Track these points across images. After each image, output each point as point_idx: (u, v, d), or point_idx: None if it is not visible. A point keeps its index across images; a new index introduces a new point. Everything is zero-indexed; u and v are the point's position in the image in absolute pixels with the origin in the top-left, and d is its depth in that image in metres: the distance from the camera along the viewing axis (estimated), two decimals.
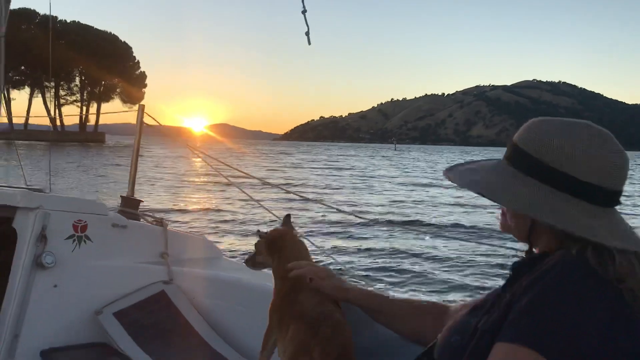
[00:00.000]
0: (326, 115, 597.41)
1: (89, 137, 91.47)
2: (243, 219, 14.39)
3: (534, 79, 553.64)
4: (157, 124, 3.72)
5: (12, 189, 2.88)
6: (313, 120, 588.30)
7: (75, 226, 2.83)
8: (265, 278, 2.96)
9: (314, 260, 2.07)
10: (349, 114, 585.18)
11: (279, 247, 2.06)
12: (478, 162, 1.26)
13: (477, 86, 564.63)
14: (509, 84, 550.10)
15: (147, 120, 3.56)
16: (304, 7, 1.51)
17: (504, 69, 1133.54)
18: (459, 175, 1.22)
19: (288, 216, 2.23)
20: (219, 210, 15.99)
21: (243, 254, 9.76)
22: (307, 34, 1.57)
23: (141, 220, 3.35)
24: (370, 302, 1.70)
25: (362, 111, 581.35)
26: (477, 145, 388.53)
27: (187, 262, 3.31)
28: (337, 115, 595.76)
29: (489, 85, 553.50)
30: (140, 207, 3.49)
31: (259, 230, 2.15)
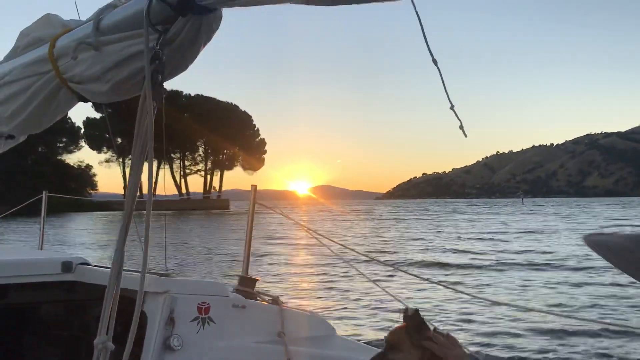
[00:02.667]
0: (429, 172, 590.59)
1: (214, 204, 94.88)
2: (357, 297, 13.43)
3: None
4: (269, 208, 4.08)
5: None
6: (415, 177, 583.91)
7: (199, 308, 2.91)
8: None
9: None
10: (453, 169, 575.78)
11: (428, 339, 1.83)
12: (619, 234, 1.03)
13: (588, 134, 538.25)
14: (623, 130, 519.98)
15: (259, 199, 3.79)
16: (451, 103, 1.50)
17: (615, 115, 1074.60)
18: (600, 249, 1.01)
19: (417, 313, 1.96)
20: (330, 287, 15.19)
21: (356, 333, 9.70)
22: (461, 127, 1.54)
23: (257, 299, 3.45)
24: None
25: (466, 166, 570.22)
26: (593, 196, 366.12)
27: (303, 340, 3.34)
28: (440, 171, 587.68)
29: (601, 133, 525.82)
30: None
31: (405, 310, 1.90)
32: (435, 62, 1.45)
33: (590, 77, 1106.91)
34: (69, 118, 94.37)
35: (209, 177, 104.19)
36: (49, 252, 5.57)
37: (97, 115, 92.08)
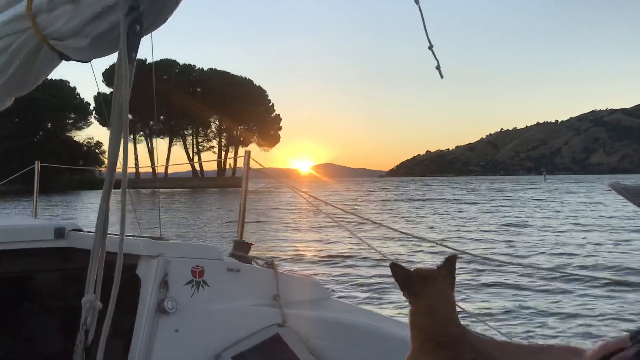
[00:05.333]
0: (432, 150, 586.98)
1: (227, 182, 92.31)
2: (350, 257, 13.56)
3: None
4: (261, 166, 4.31)
5: (135, 238, 3.03)
6: (419, 155, 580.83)
7: (193, 271, 2.93)
8: (379, 319, 3.53)
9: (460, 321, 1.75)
10: (457, 146, 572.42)
11: (414, 291, 1.72)
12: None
13: (592, 111, 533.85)
14: (628, 106, 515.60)
15: (253, 165, 3.86)
16: (430, 43, 1.51)
17: (621, 91, 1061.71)
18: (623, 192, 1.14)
19: (453, 258, 1.80)
20: (324, 250, 15.21)
21: (351, 295, 9.78)
22: (438, 67, 1.55)
23: (252, 263, 3.45)
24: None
25: (469, 143, 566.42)
26: (598, 173, 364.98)
27: (298, 303, 3.37)
28: (443, 148, 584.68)
29: (607, 110, 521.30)
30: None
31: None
32: (417, 1, 1.41)
33: (595, 52, 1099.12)
34: (77, 93, 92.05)
35: (223, 153, 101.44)
36: (42, 219, 5.33)
37: (108, 91, 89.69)
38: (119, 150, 1.37)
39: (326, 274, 11.69)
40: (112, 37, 1.49)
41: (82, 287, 3.52)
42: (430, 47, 1.51)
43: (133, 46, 1.36)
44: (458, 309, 1.73)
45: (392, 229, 6.25)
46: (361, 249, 13.63)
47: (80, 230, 3.54)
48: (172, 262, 2.83)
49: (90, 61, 1.75)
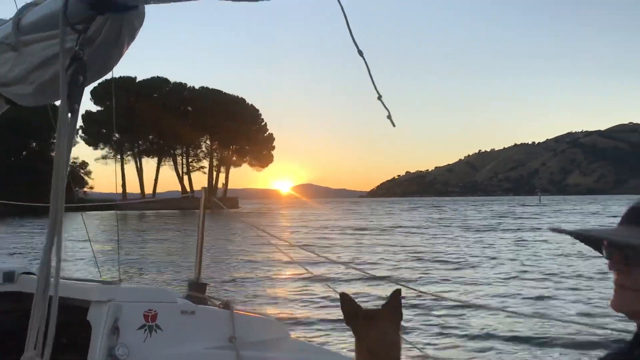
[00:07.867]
0: (412, 170, 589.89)
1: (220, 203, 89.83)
2: (309, 295, 13.08)
3: (629, 122, 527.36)
4: (223, 207, 4.60)
5: (86, 283, 3.02)
6: (399, 175, 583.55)
7: (145, 316, 2.88)
8: (338, 358, 3.59)
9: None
10: (436, 167, 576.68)
11: (356, 331, 1.72)
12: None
13: (569, 133, 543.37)
14: (603, 128, 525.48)
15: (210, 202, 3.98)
16: (378, 94, 1.53)
17: (596, 114, 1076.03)
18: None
19: (397, 293, 1.77)
20: (283, 286, 14.78)
21: (309, 333, 9.32)
22: (389, 117, 1.59)
23: (208, 303, 3.42)
24: None
25: (449, 164, 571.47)
26: (575, 194, 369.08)
27: (255, 344, 3.32)
28: (422, 169, 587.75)
29: (582, 132, 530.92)
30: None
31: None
32: (360, 53, 1.44)
33: (571, 75, 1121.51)
34: None
35: (214, 174, 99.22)
36: None
37: (95, 109, 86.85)
38: (62, 198, 1.30)
39: (284, 312, 11.36)
40: (57, 85, 1.46)
41: None
42: (379, 98, 1.49)
43: (76, 97, 1.32)
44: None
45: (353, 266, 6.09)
46: (321, 284, 13.19)
47: (30, 273, 3.48)
48: (124, 306, 2.78)
49: (35, 106, 1.67)
